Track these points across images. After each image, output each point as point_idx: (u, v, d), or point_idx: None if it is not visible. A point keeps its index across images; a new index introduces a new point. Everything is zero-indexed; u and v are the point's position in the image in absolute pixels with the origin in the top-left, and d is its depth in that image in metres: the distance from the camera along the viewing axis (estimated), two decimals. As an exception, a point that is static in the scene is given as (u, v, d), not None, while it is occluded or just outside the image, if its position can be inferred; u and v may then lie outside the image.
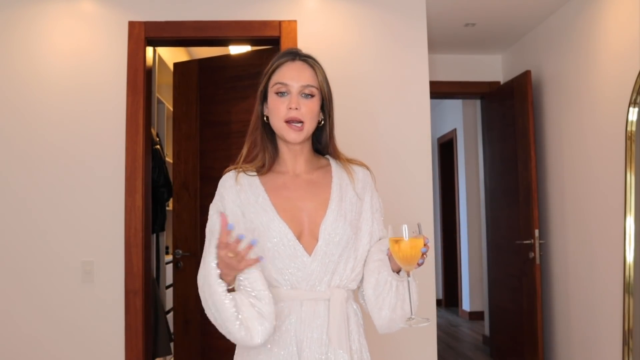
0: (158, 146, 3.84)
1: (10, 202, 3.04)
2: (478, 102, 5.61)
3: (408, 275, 1.32)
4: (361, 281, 1.45)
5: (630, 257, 3.01)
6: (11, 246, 3.02)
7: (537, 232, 3.90)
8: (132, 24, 3.15)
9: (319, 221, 1.39)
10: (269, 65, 1.47)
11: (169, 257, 4.33)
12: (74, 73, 3.11)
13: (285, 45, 3.15)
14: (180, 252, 3.58)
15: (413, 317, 1.33)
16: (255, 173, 1.45)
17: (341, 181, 1.46)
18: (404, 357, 3.15)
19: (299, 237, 1.37)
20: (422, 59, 3.27)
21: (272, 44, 3.34)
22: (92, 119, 3.10)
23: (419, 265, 1.30)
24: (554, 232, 3.97)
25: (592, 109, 3.45)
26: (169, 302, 4.16)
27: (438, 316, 6.77)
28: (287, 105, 1.40)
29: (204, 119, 3.62)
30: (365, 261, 1.44)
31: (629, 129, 3.03)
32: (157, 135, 3.98)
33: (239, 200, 1.41)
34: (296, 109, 1.39)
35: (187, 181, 3.61)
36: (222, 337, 1.54)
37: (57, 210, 3.05)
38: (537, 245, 3.89)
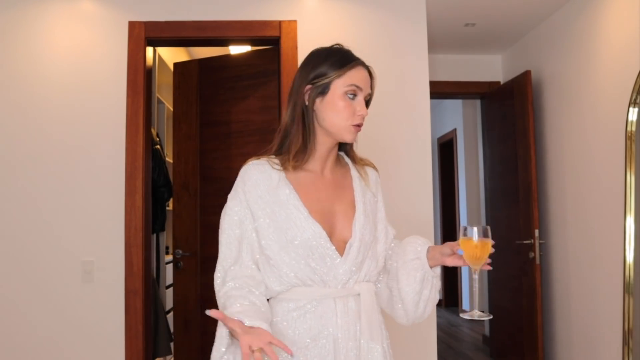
0: (158, 146, 3.85)
1: (10, 202, 3.04)
2: (478, 102, 5.61)
3: (475, 273, 1.43)
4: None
5: (630, 257, 3.01)
6: (11, 246, 3.02)
7: (537, 232, 3.90)
8: (132, 24, 3.15)
9: (349, 222, 1.43)
10: (338, 61, 1.42)
11: (169, 257, 4.33)
12: (74, 73, 3.12)
13: (285, 45, 3.14)
14: (181, 252, 3.58)
15: (476, 310, 1.43)
16: (281, 168, 1.43)
17: (360, 182, 1.52)
18: (404, 357, 3.15)
19: (330, 238, 1.40)
20: (422, 59, 3.27)
21: (272, 44, 3.33)
22: (92, 119, 3.10)
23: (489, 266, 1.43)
24: (554, 232, 3.97)
25: (592, 109, 3.45)
26: (169, 302, 4.16)
27: (438, 316, 6.77)
28: (357, 110, 1.43)
29: (204, 119, 3.62)
30: (385, 258, 1.52)
31: (629, 129, 3.03)
32: (157, 135, 3.98)
33: (268, 196, 1.40)
34: (364, 115, 1.44)
35: (187, 181, 3.61)
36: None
37: (57, 211, 3.05)
38: (537, 245, 3.89)
